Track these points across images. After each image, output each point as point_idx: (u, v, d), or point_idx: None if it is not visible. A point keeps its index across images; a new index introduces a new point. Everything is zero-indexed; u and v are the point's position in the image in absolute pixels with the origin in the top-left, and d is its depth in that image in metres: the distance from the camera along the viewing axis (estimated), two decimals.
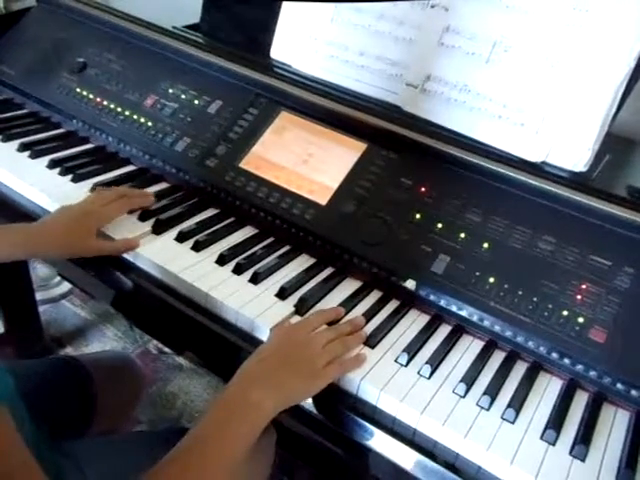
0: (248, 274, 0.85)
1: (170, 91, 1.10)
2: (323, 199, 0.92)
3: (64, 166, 1.02)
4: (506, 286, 0.79)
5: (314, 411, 0.73)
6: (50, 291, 1.99)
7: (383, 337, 0.78)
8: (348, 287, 0.87)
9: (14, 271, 1.57)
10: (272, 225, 0.94)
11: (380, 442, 0.68)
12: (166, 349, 1.83)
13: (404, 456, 0.67)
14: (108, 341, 1.87)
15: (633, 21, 0.83)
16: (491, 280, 0.80)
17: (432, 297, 0.82)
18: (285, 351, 0.70)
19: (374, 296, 0.86)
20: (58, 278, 2.03)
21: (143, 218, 0.93)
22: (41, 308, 1.76)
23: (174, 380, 1.75)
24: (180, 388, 1.73)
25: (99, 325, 1.92)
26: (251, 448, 0.92)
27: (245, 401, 0.63)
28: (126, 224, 0.91)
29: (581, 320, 0.75)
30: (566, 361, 0.75)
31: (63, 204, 0.92)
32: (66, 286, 2.02)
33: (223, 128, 1.03)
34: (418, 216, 0.87)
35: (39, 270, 1.98)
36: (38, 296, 1.75)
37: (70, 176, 1.01)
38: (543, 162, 0.90)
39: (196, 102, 1.07)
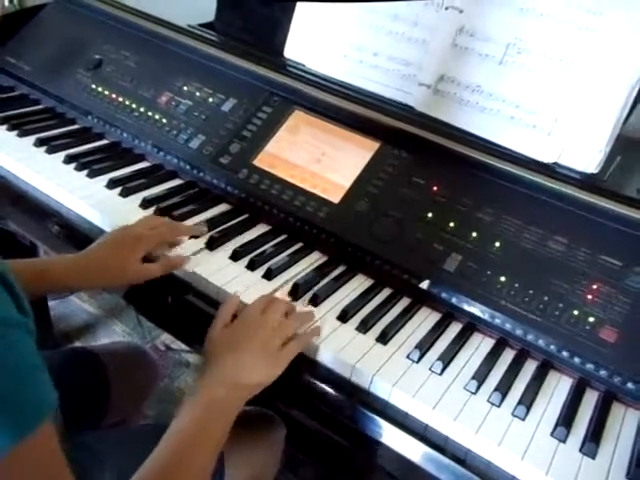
0: (262, 270, 0.86)
1: (185, 89, 1.11)
2: (336, 197, 0.93)
3: (80, 162, 1.03)
4: (517, 285, 0.80)
5: (327, 407, 0.74)
6: None
7: (395, 334, 0.79)
8: (360, 284, 0.88)
9: None
10: (285, 222, 0.95)
11: (392, 437, 0.69)
12: (174, 345, 1.84)
13: (415, 451, 0.68)
14: (116, 337, 1.88)
15: None
16: (502, 279, 0.81)
17: (444, 295, 0.83)
18: (241, 339, 0.70)
19: (385, 293, 0.87)
20: None
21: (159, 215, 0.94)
22: (50, 303, 1.78)
23: (181, 376, 1.76)
24: (187, 384, 1.74)
25: (107, 321, 1.94)
26: (261, 444, 0.94)
27: (217, 399, 0.66)
28: None
29: (592, 320, 0.76)
30: (576, 360, 0.75)
31: (79, 198, 0.94)
32: None
33: (237, 126, 1.04)
34: (430, 215, 0.88)
35: None
36: None
37: (86, 171, 1.02)
38: (555, 163, 0.91)
39: (210, 100, 1.08)
